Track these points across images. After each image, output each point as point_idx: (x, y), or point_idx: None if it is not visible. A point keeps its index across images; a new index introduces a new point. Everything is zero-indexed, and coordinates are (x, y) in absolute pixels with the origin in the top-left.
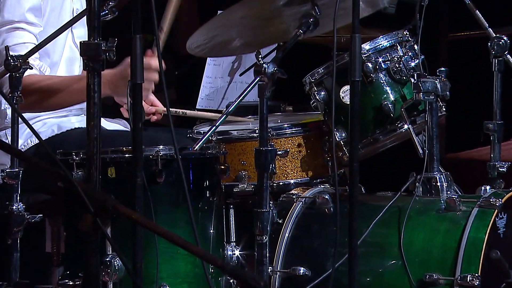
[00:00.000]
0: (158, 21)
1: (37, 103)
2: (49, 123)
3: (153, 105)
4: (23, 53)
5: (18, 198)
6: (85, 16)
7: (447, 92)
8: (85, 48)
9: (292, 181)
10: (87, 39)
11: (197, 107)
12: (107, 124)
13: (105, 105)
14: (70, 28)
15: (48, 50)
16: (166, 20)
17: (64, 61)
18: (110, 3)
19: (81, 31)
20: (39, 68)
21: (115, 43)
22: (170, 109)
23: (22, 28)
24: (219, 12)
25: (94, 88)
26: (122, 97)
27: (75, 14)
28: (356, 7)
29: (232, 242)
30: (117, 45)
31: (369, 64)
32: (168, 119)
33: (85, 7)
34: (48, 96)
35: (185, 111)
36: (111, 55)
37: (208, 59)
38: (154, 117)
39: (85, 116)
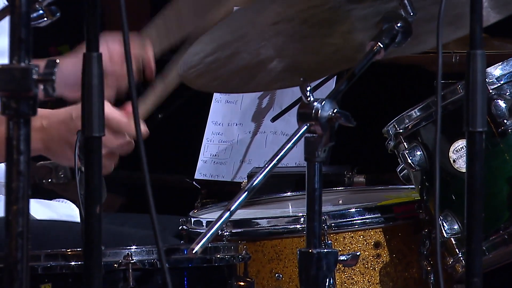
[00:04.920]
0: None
1: None
2: None
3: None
4: None
5: None
6: (8, 19)
7: None
8: (3, 77)
9: None
10: (7, 60)
11: (196, 177)
12: (40, 210)
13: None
14: None
15: None
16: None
17: None
18: None
19: (3, 41)
20: None
21: (56, 67)
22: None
23: None
24: (235, 8)
25: (19, 147)
26: (63, 160)
27: None
28: (477, 4)
29: None
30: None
31: (501, 103)
32: (147, 198)
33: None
34: None
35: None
36: (50, 90)
37: (216, 93)
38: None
39: (3, 197)
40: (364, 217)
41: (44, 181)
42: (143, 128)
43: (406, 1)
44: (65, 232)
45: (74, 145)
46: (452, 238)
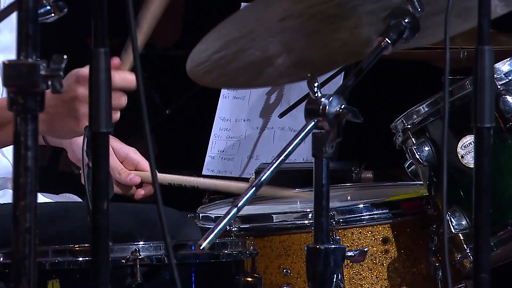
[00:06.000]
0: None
1: None
2: None
3: (137, 169)
4: None
5: None
6: (15, 15)
7: None
8: (10, 73)
9: None
10: (15, 56)
11: (203, 172)
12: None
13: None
14: None
15: None
16: (147, 16)
17: None
18: None
19: (7, 37)
20: None
21: (63, 63)
22: (166, 176)
23: None
24: (243, 4)
25: (27, 143)
26: (67, 132)
27: (1, 6)
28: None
29: None
30: (69, 66)
31: (509, 99)
32: (154, 193)
33: None
34: None
35: (195, 179)
36: (57, 85)
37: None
38: (142, 192)
39: (10, 191)
40: (372, 212)
41: (80, 171)
42: (132, 77)
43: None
44: (71, 213)
45: (73, 113)
46: (460, 234)
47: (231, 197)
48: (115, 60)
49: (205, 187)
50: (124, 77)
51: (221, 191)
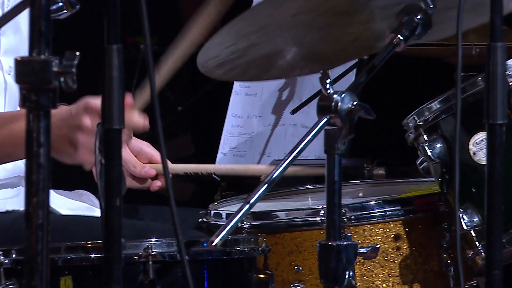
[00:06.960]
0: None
1: None
2: None
3: (151, 162)
4: None
5: None
6: (22, 15)
7: None
8: (23, 70)
9: None
10: (25, 54)
11: None
12: (61, 202)
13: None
14: None
15: None
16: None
17: None
18: None
19: (11, 39)
20: None
21: (76, 60)
22: (181, 166)
23: None
24: (255, 1)
25: (39, 140)
26: (64, 157)
27: (5, 9)
28: None
29: None
30: (82, 63)
31: None
32: (167, 188)
33: None
34: None
35: (211, 166)
36: (70, 82)
37: (236, 85)
38: (158, 184)
39: (23, 189)
40: (384, 209)
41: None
42: (143, 120)
43: None
44: (87, 225)
45: (74, 142)
46: (472, 231)
47: (243, 194)
48: (128, 99)
49: (222, 172)
50: (133, 117)
51: (239, 175)
